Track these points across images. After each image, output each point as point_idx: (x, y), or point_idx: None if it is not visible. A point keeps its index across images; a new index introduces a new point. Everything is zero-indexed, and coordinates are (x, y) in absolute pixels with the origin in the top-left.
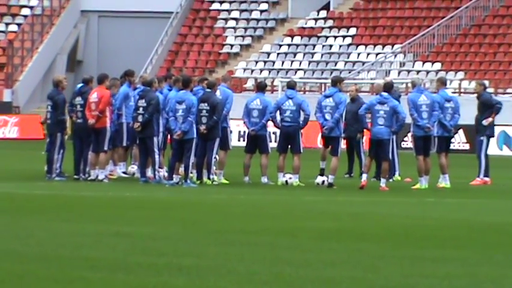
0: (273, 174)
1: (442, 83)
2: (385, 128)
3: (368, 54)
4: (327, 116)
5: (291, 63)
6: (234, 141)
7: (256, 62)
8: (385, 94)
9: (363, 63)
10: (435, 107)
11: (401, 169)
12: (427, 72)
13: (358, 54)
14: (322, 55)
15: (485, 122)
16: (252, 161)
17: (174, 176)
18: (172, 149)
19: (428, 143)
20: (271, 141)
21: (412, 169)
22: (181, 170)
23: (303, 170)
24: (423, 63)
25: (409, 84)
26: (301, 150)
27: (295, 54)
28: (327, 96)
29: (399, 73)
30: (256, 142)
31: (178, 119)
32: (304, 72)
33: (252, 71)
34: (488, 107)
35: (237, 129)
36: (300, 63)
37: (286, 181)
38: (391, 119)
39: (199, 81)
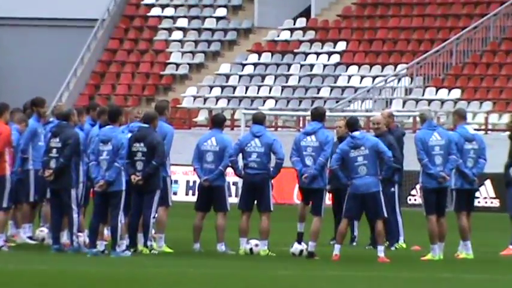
0: (233, 239)
1: (462, 116)
2: (369, 177)
3: (362, 77)
4: (308, 161)
5: (258, 90)
6: (180, 194)
7: (211, 87)
8: (356, 134)
9: (356, 89)
10: (452, 149)
11: (407, 233)
12: (442, 102)
13: (349, 77)
14: (300, 78)
15: None
16: (204, 222)
17: (98, 241)
18: (94, 205)
19: (443, 198)
20: (230, 195)
21: (421, 233)
22: (108, 233)
23: (274, 235)
24: (436, 90)
25: (417, 119)
26: (271, 208)
27: (263, 77)
28: (307, 134)
29: (404, 103)
30: (210, 196)
31: (102, 164)
32: (276, 102)
33: (205, 99)
34: None
35: (183, 178)
36: (271, 90)
37: (251, 249)
38: (375, 164)
39: (100, 113)
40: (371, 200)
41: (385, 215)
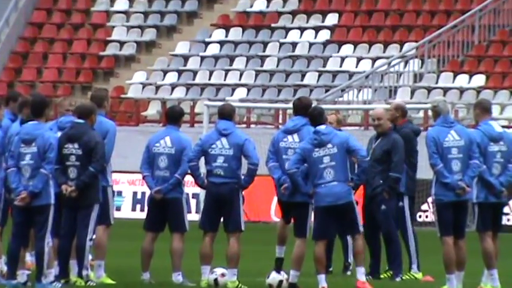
0: (193, 267)
1: (486, 110)
2: (338, 184)
3: (359, 59)
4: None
5: (226, 75)
6: (125, 210)
7: (165, 72)
8: (321, 128)
9: (350, 75)
10: (474, 151)
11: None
12: (461, 91)
13: (342, 59)
14: (279, 61)
15: None
16: (156, 245)
17: (18, 271)
18: (14, 224)
19: (462, 215)
20: (190, 212)
21: (434, 260)
22: (32, 260)
23: (245, 261)
24: (454, 76)
25: (430, 113)
26: (242, 227)
27: (232, 59)
28: (288, 133)
29: (413, 93)
30: (164, 212)
31: (24, 170)
32: (249, 91)
33: (158, 87)
34: None
35: (129, 189)
36: (241, 75)
37: (216, 280)
38: (345, 166)
39: (21, 106)
40: (341, 213)
41: (361, 229)
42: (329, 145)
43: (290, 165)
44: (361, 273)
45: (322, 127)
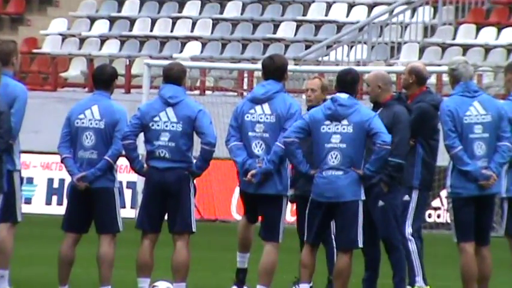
0: (127, 280)
1: None
2: (344, 175)
3: (351, 5)
4: (256, 148)
5: (173, 24)
6: (38, 202)
7: (92, 19)
8: (343, 97)
9: (340, 26)
10: (504, 130)
11: (428, 271)
12: (487, 49)
13: (329, 5)
14: (244, 6)
15: None
16: (78, 249)
17: None
18: None
19: (487, 215)
20: (124, 206)
21: (448, 272)
22: None
23: (197, 272)
24: (477, 30)
25: (444, 77)
26: (193, 228)
27: (182, 4)
28: (256, 102)
29: (422, 51)
30: (89, 206)
31: None
32: (204, 46)
33: (82, 40)
34: None
35: (43, 175)
36: (194, 25)
37: None
38: (358, 152)
39: None
40: (342, 215)
41: (360, 244)
42: (344, 121)
43: (289, 132)
44: None
45: (343, 95)
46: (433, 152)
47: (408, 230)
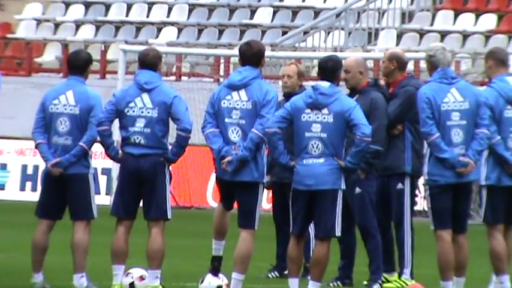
0: (102, 267)
1: (501, 61)
2: (325, 161)
3: None
4: (232, 135)
5: (149, 9)
6: (12, 189)
7: (67, 3)
8: (323, 85)
9: (316, 12)
10: (482, 117)
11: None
12: (465, 35)
13: None
14: None
15: None
16: (52, 236)
17: None
18: None
19: (464, 202)
20: (98, 193)
21: (425, 260)
22: None
23: (172, 260)
24: (455, 15)
25: (423, 64)
26: (168, 215)
27: None
28: (232, 88)
29: (400, 37)
30: (63, 193)
31: None
32: (180, 31)
33: (57, 25)
34: None
35: (17, 161)
36: (170, 10)
37: (132, 284)
38: (339, 141)
39: None
40: (321, 203)
41: (338, 233)
42: (325, 110)
43: (271, 122)
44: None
45: (324, 84)
46: (420, 137)
47: (407, 219)
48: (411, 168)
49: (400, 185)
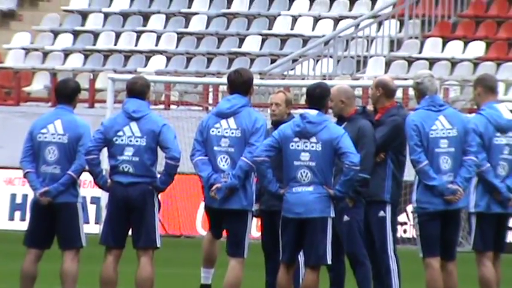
0: None
1: (490, 88)
2: (314, 190)
3: (316, 19)
4: (221, 163)
5: (138, 38)
6: (0, 218)
7: (55, 33)
8: (311, 114)
9: (305, 39)
10: (470, 144)
11: None
12: (453, 62)
13: (294, 18)
14: (209, 20)
15: None
16: (41, 265)
17: None
18: None
19: (453, 230)
20: (87, 222)
21: (414, 285)
22: None
23: (161, 286)
24: (444, 43)
25: (411, 91)
26: (158, 243)
27: (146, 16)
28: (221, 116)
29: (388, 64)
30: (52, 222)
31: None
32: (169, 60)
33: (46, 54)
34: None
35: (6, 190)
36: (159, 38)
37: None
38: (328, 169)
39: None
40: (311, 231)
41: (329, 261)
42: (313, 139)
43: (260, 151)
44: None
45: (312, 112)
46: (402, 167)
47: (390, 247)
48: (390, 197)
49: (382, 213)
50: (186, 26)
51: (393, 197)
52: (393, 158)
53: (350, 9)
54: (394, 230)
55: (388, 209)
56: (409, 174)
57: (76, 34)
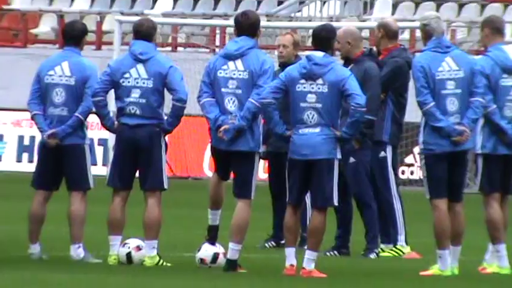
0: (99, 238)
1: (497, 30)
2: (321, 131)
3: None
4: (229, 104)
5: None
6: (8, 160)
7: None
8: (318, 55)
9: None
10: (478, 86)
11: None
12: (460, 4)
13: None
14: None
15: None
16: (49, 207)
17: None
18: None
19: (460, 171)
20: (95, 164)
21: (421, 230)
22: None
23: (169, 229)
24: None
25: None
26: (165, 185)
27: None
28: (228, 58)
29: (395, 6)
30: (60, 163)
31: None
32: (175, 2)
33: None
34: None
35: (14, 132)
36: None
37: (129, 254)
38: (334, 111)
39: None
40: (318, 172)
41: (336, 202)
42: (319, 80)
43: (266, 93)
44: (309, 260)
45: (318, 54)
46: (402, 109)
47: (393, 187)
48: (388, 138)
49: (382, 153)
50: None
51: (392, 138)
52: (393, 99)
53: None
54: (397, 170)
55: (389, 149)
56: (416, 115)
57: None
